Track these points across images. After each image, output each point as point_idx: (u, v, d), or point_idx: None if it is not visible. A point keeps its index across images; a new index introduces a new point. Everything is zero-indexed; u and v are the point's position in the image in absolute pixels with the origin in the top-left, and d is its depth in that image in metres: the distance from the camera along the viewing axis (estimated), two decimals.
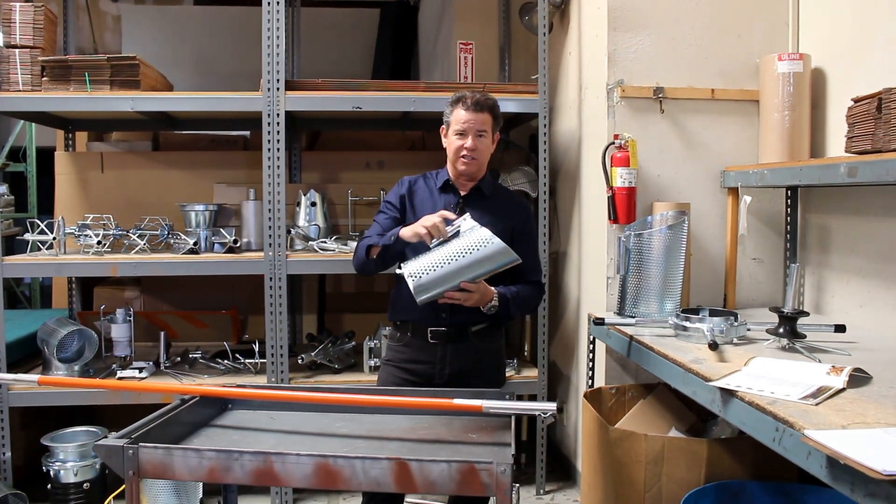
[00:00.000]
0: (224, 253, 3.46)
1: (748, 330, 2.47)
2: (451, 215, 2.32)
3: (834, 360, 2.12)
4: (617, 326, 2.71)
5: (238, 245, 3.50)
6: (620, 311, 2.85)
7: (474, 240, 2.19)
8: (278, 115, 3.30)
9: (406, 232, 2.32)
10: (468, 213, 2.29)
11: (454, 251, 2.18)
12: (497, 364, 2.60)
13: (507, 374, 3.23)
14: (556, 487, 3.65)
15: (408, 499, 3.09)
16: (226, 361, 3.60)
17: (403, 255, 2.41)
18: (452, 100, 2.48)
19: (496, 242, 2.18)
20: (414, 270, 2.18)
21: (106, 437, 1.79)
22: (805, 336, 2.32)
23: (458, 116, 2.43)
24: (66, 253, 3.42)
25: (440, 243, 2.25)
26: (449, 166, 2.53)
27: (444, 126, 2.52)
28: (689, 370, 2.10)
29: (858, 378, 1.91)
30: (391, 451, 1.83)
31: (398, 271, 2.20)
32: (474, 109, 2.41)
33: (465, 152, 2.42)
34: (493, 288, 2.35)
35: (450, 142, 2.48)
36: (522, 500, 3.48)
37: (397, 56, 5.43)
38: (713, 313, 2.53)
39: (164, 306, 4.15)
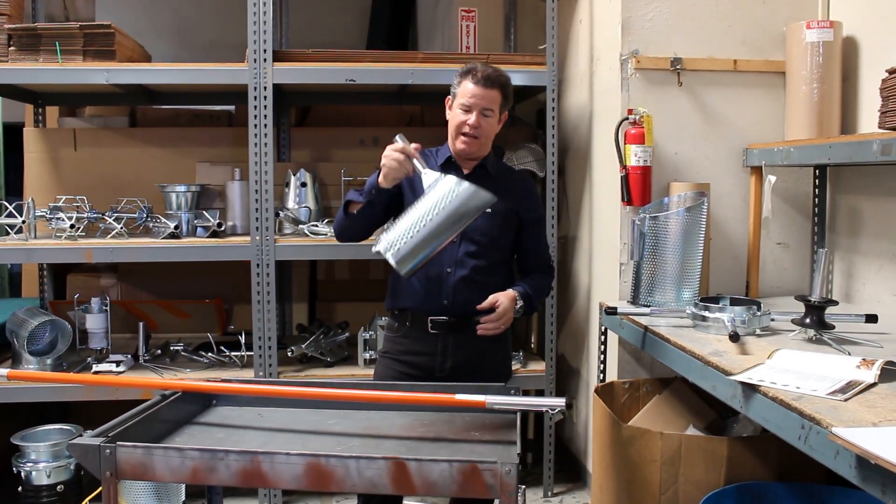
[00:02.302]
0: (207, 237, 3.46)
1: (772, 320, 2.47)
2: (412, 152, 2.25)
3: (865, 352, 2.12)
4: (630, 316, 2.70)
5: (222, 229, 3.49)
6: (634, 300, 2.85)
7: (441, 192, 2.11)
8: (265, 88, 3.28)
9: (381, 179, 2.27)
10: (427, 169, 2.23)
11: (424, 211, 2.10)
12: (502, 356, 2.60)
13: (514, 368, 3.24)
14: (564, 489, 3.67)
15: (406, 501, 3.11)
16: (210, 354, 3.59)
17: (388, 213, 2.39)
18: (462, 70, 2.44)
19: (465, 187, 2.09)
20: (389, 243, 2.11)
21: (81, 435, 1.78)
22: (833, 327, 2.32)
23: (466, 89, 2.40)
24: (36, 237, 3.41)
25: (409, 209, 2.18)
26: (450, 142, 2.51)
27: (449, 97, 2.51)
28: (709, 363, 2.10)
29: (891, 372, 1.90)
30: (388, 449, 1.83)
31: (374, 249, 2.15)
32: (483, 84, 2.38)
33: (466, 129, 2.40)
34: (510, 290, 2.36)
35: (453, 115, 2.45)
36: (529, 503, 3.50)
37: (394, 25, 5.40)
38: (734, 302, 2.52)
39: (143, 295, 4.14)
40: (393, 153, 2.23)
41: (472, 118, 2.39)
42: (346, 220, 2.41)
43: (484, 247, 2.44)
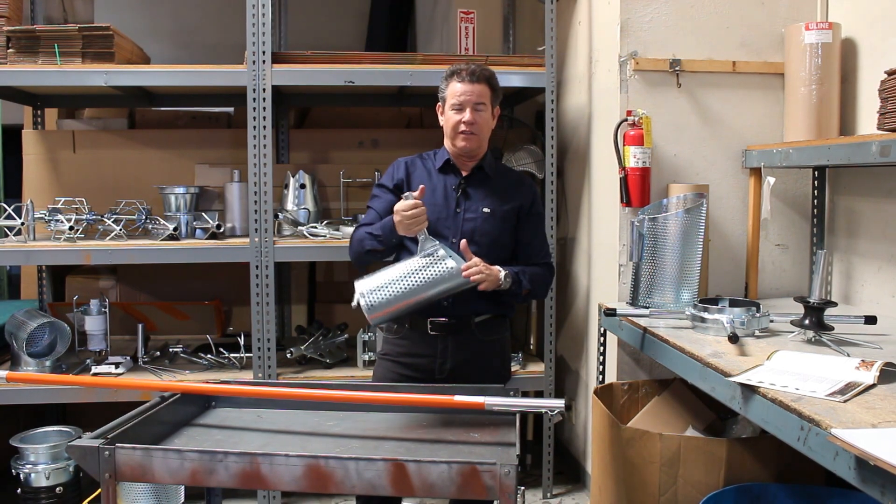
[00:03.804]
0: (206, 239, 3.45)
1: (771, 321, 2.47)
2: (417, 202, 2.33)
3: (864, 353, 2.12)
4: (629, 318, 2.70)
5: (221, 230, 3.49)
6: (633, 301, 2.85)
7: (432, 262, 2.27)
8: (264, 89, 3.28)
9: (403, 232, 2.35)
10: (425, 231, 2.33)
11: (410, 272, 2.25)
12: (502, 357, 2.61)
13: (513, 370, 3.23)
14: (563, 490, 3.66)
15: (405, 502, 3.10)
16: (209, 356, 3.59)
17: (402, 246, 2.45)
18: (447, 73, 2.49)
19: (455, 267, 2.25)
20: (367, 290, 2.24)
21: (80, 437, 1.78)
22: (832, 328, 2.32)
23: (454, 90, 2.43)
24: (35, 239, 3.40)
25: (397, 263, 2.33)
26: (447, 144, 2.53)
27: (439, 103, 2.54)
28: (708, 365, 2.10)
29: (890, 373, 1.90)
30: (387, 451, 1.84)
31: (355, 297, 2.25)
32: (470, 81, 2.41)
33: (463, 127, 2.43)
34: (496, 267, 2.36)
35: (447, 118, 2.48)
36: None
37: (393, 27, 5.39)
38: (733, 303, 2.52)
39: (142, 297, 4.14)
40: (410, 211, 2.29)
41: (466, 115, 2.43)
42: (365, 256, 2.49)
43: (484, 247, 2.44)
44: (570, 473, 3.82)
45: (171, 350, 3.67)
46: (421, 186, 2.35)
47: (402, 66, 3.39)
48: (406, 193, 2.34)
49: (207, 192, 3.82)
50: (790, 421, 1.67)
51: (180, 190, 3.56)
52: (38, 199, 3.64)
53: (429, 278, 2.23)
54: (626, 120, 3.04)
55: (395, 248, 2.47)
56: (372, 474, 1.62)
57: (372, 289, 2.22)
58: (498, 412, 1.98)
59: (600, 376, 3.11)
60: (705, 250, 2.86)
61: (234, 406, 2.19)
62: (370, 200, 2.60)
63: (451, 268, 2.24)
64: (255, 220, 3.33)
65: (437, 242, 2.31)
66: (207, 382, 2.18)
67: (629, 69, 3.08)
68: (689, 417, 2.73)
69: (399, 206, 2.32)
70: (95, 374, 3.34)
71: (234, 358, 3.54)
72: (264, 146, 3.30)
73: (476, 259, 2.30)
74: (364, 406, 2.13)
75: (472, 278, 2.26)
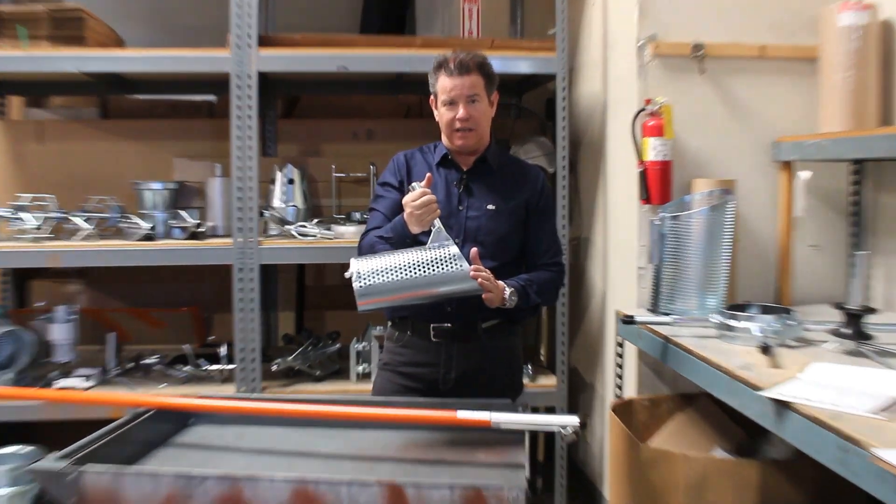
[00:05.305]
0: (185, 239, 3.43)
1: (806, 330, 2.45)
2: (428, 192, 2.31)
3: None
4: (650, 326, 2.69)
5: (202, 230, 3.47)
6: (654, 308, 2.84)
7: (440, 256, 2.22)
8: (249, 76, 3.27)
9: (413, 228, 2.32)
10: (438, 222, 2.30)
11: (413, 263, 2.20)
12: (512, 367, 2.61)
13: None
14: None
15: None
16: (187, 368, 3.57)
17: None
18: (434, 66, 2.50)
19: (465, 268, 2.20)
20: (363, 272, 2.18)
21: (44, 458, 1.78)
22: (874, 337, 2.30)
23: (444, 85, 2.45)
24: None
25: (401, 251, 2.28)
26: (445, 140, 2.54)
27: (431, 97, 2.55)
28: (737, 378, 2.09)
29: None
30: (383, 473, 1.83)
31: (349, 271, 2.20)
32: (459, 73, 2.41)
33: (458, 125, 2.44)
34: (501, 283, 2.32)
35: (441, 114, 2.50)
36: None
37: (390, 8, 5.39)
38: (764, 310, 2.52)
39: (114, 303, 4.13)
40: (419, 200, 2.26)
41: (460, 111, 2.43)
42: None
43: (490, 247, 2.44)
44: (585, 498, 3.79)
45: (145, 362, 3.66)
46: (427, 175, 2.34)
47: (400, 51, 3.40)
48: (412, 184, 2.34)
49: (187, 187, 3.79)
50: (828, 440, 1.65)
51: (157, 185, 3.54)
52: (1, 196, 3.63)
53: (435, 274, 2.18)
54: (644, 109, 3.03)
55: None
56: (366, 499, 1.60)
57: (370, 271, 2.17)
58: (505, 430, 1.94)
59: (618, 390, 3.10)
60: (733, 252, 2.82)
61: (214, 423, 2.17)
62: (374, 202, 2.59)
63: (462, 268, 2.20)
64: (239, 219, 3.32)
65: (450, 238, 2.28)
66: (185, 397, 2.17)
67: (648, 54, 3.07)
68: (716, 436, 2.71)
69: (408, 198, 2.30)
70: (62, 389, 3.32)
71: (215, 370, 3.53)
72: (249, 137, 3.29)
73: (485, 269, 2.27)
74: (357, 423, 2.12)
75: (478, 280, 2.23)
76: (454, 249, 2.23)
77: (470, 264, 2.23)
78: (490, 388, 2.42)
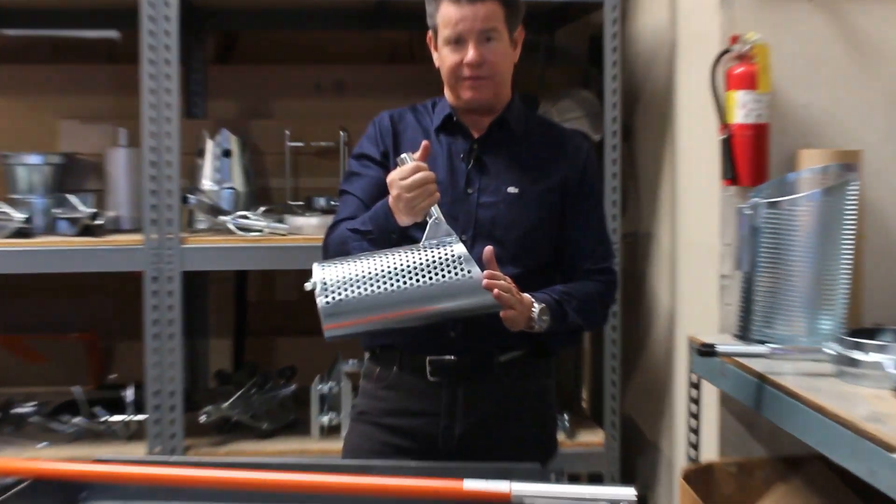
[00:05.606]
0: (76, 236, 3.11)
1: None
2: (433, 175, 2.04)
3: None
4: (737, 359, 2.44)
5: (99, 222, 3.13)
6: (743, 334, 2.55)
7: (439, 257, 1.98)
8: (167, 2, 2.95)
9: (403, 219, 2.05)
10: (437, 210, 2.05)
11: (401, 266, 1.96)
12: (541, 418, 2.32)
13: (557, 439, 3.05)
14: None
15: None
16: (77, 419, 3.25)
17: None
18: None
19: (476, 273, 1.93)
20: (332, 281, 1.92)
21: None
22: None
23: (447, 16, 2.16)
24: None
25: (383, 252, 2.02)
26: (448, 94, 2.26)
27: (429, 34, 2.27)
28: (864, 434, 1.86)
29: None
30: None
31: (308, 284, 1.92)
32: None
33: (467, 71, 2.16)
34: (527, 296, 2.03)
35: (442, 58, 2.22)
36: None
37: None
38: None
39: None
40: (411, 178, 1.98)
41: (470, 53, 2.15)
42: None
43: (512, 246, 2.17)
44: None
45: (16, 410, 3.35)
46: (424, 143, 2.05)
47: None
48: (402, 156, 2.04)
49: (78, 162, 3.46)
50: None
51: (35, 159, 3.22)
52: None
53: (432, 284, 1.93)
54: (730, 50, 2.69)
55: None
56: None
57: (341, 280, 1.90)
58: None
59: (692, 451, 2.80)
60: (857, 253, 2.52)
61: (115, 498, 1.86)
62: (345, 182, 2.34)
63: (471, 275, 1.92)
64: (153, 207, 3.01)
65: (455, 234, 2.02)
66: (75, 461, 1.90)
67: None
68: None
69: (394, 175, 2.01)
70: None
71: (118, 422, 3.24)
72: (167, 91, 2.98)
73: (504, 276, 1.99)
74: (322, 498, 1.77)
75: (494, 293, 1.90)
76: (460, 249, 1.99)
77: (483, 270, 1.97)
78: (510, 448, 2.18)
